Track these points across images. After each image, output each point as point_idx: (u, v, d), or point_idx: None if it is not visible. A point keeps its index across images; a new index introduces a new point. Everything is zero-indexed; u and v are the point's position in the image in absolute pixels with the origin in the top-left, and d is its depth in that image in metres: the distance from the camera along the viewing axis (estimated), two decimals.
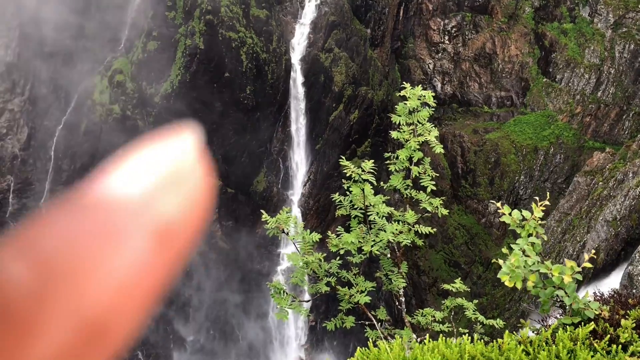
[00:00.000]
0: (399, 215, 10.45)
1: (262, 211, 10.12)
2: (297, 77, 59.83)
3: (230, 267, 57.54)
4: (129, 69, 54.63)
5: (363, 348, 5.26)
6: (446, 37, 63.44)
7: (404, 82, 11.20)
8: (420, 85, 10.72)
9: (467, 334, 9.56)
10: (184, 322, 55.90)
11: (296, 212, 60.25)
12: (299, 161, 61.34)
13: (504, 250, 5.97)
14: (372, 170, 9.56)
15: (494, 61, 62.32)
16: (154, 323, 54.20)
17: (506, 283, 5.87)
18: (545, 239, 5.97)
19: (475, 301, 13.03)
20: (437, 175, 11.34)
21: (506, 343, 5.40)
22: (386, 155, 10.55)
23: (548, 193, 6.70)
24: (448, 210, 10.95)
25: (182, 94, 53.52)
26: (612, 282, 34.50)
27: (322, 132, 60.16)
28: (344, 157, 10.36)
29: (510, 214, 5.81)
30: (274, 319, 61.36)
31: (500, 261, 5.95)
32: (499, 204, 5.87)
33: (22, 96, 53.05)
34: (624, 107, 57.81)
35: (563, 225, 53.47)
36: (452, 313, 11.34)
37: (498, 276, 5.94)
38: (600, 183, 52.57)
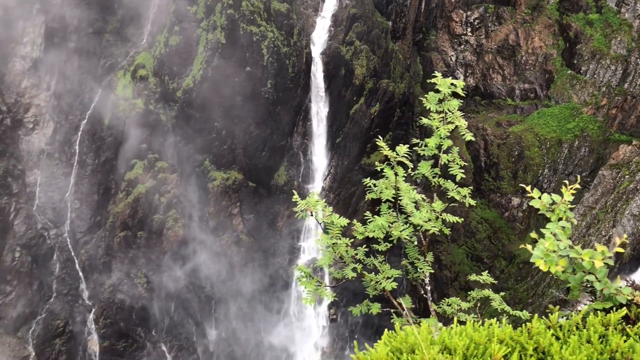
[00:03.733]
0: (426, 205, 10.38)
1: (294, 191, 10.16)
2: (318, 71, 59.72)
3: (252, 261, 57.86)
4: (151, 63, 55.11)
5: (390, 331, 5.25)
6: (468, 29, 62.73)
7: (427, 75, 11.13)
8: (450, 77, 10.63)
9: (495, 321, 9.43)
10: (208, 316, 56.40)
11: None
12: (320, 155, 61.29)
13: (533, 235, 5.89)
14: (406, 155, 9.48)
15: (518, 53, 61.46)
16: (178, 316, 54.83)
17: (541, 267, 5.78)
18: (575, 222, 5.87)
19: (498, 295, 12.90)
20: (465, 164, 11.21)
21: (535, 327, 5.33)
22: (414, 141, 10.39)
23: (578, 176, 6.58)
24: (475, 202, 10.81)
25: (204, 89, 53.82)
26: (637, 278, 33.85)
27: (342, 125, 60.02)
28: (380, 138, 10.27)
29: (540, 198, 5.74)
30: (295, 313, 61.54)
31: (529, 246, 5.87)
32: (528, 188, 5.79)
33: (48, 91, 53.90)
34: None
35: (588, 219, 52.70)
36: (478, 305, 11.24)
37: (531, 260, 5.84)
38: (627, 176, 51.62)
